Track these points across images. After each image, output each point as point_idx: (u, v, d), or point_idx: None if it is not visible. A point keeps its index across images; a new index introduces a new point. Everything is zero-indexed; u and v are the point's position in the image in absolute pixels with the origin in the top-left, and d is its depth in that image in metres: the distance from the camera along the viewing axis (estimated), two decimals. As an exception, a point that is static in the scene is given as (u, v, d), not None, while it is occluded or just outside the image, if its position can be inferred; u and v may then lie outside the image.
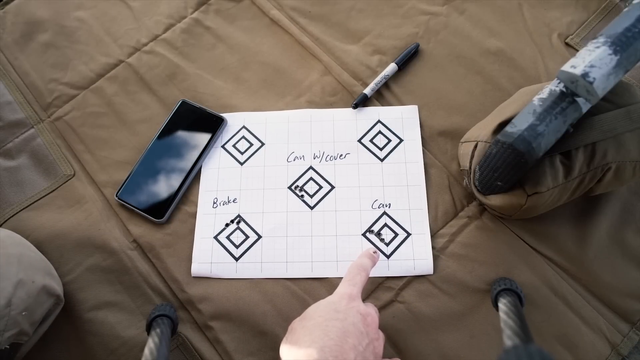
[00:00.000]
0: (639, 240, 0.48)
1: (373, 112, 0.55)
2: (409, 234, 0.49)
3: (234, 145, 0.55)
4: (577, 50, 0.50)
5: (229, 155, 0.54)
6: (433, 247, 0.48)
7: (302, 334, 0.36)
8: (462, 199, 0.51)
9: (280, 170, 0.53)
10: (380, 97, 0.56)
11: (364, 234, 0.49)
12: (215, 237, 0.50)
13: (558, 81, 0.38)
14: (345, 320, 0.36)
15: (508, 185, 0.42)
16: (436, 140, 0.53)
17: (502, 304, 0.41)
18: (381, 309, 0.47)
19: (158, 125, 0.56)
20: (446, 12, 0.60)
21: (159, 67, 0.60)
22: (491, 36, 0.58)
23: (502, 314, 0.40)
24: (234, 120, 0.56)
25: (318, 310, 0.38)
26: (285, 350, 0.36)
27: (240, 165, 0.54)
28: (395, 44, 0.58)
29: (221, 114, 0.55)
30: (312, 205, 0.51)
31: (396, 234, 0.49)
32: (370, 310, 0.39)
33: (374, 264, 0.44)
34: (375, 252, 0.44)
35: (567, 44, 0.57)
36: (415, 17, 0.60)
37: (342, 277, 0.47)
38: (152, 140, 0.55)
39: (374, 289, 0.47)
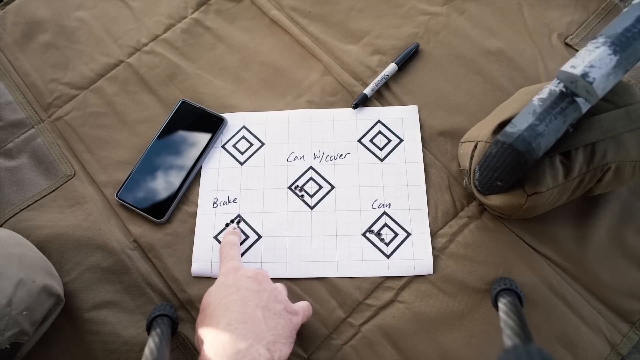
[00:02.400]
0: (639, 240, 0.48)
1: (373, 112, 0.55)
2: (409, 234, 0.49)
3: (234, 145, 0.55)
4: (577, 50, 0.50)
5: (229, 155, 0.54)
6: (433, 247, 0.48)
7: (208, 321, 0.37)
8: (462, 199, 0.51)
9: (280, 170, 0.53)
10: (380, 97, 0.56)
11: (364, 234, 0.50)
12: (216, 237, 0.50)
13: (558, 81, 0.38)
14: (240, 290, 0.39)
15: (508, 185, 0.42)
16: (436, 140, 0.53)
17: (502, 304, 0.41)
18: (381, 309, 0.47)
19: (158, 125, 0.56)
20: (446, 12, 0.60)
21: (159, 67, 0.60)
22: (491, 36, 0.58)
23: (502, 314, 0.40)
24: (234, 120, 0.56)
25: (211, 296, 0.40)
26: (204, 348, 0.36)
27: (240, 165, 0.54)
28: (395, 44, 0.58)
29: (221, 114, 0.55)
30: (312, 205, 0.51)
31: (396, 234, 0.49)
32: (257, 270, 0.41)
33: (239, 237, 0.48)
34: (235, 228, 0.49)
35: (566, 44, 0.57)
36: (415, 17, 0.60)
37: (342, 277, 0.48)
38: (152, 140, 0.55)
39: (374, 288, 0.47)
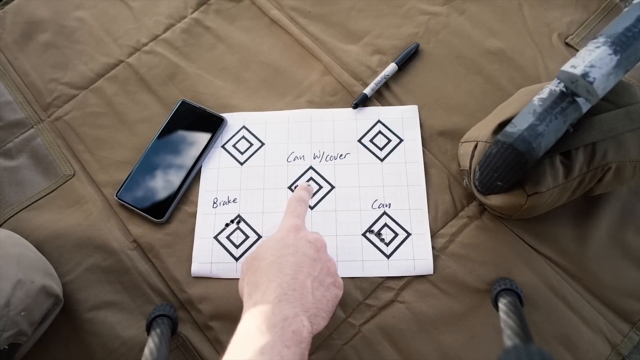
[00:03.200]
0: (639, 240, 0.48)
1: (373, 112, 0.55)
2: (409, 234, 0.49)
3: (234, 145, 0.55)
4: (577, 50, 0.50)
5: (229, 155, 0.54)
6: (433, 247, 0.48)
7: (259, 275, 0.37)
8: (462, 199, 0.51)
9: (280, 170, 0.53)
10: (380, 97, 0.56)
11: (364, 234, 0.49)
12: (215, 237, 0.50)
13: (558, 81, 0.38)
14: (297, 253, 0.38)
15: (508, 185, 0.42)
16: (436, 140, 0.53)
17: (502, 304, 0.41)
18: (381, 309, 0.47)
19: (158, 125, 0.56)
20: (446, 12, 0.60)
21: (159, 67, 0.60)
22: (491, 36, 0.58)
23: (502, 314, 0.40)
24: (234, 120, 0.56)
25: (270, 249, 0.39)
26: (245, 292, 0.38)
27: (240, 165, 0.54)
28: (395, 44, 0.58)
29: (221, 114, 0.55)
30: (312, 205, 0.51)
31: (396, 234, 0.49)
32: (317, 236, 0.41)
33: (310, 195, 0.46)
34: (309, 185, 0.47)
35: (567, 44, 0.57)
36: (415, 17, 0.60)
37: (342, 277, 0.47)
38: (152, 140, 0.55)
39: (374, 288, 0.47)
